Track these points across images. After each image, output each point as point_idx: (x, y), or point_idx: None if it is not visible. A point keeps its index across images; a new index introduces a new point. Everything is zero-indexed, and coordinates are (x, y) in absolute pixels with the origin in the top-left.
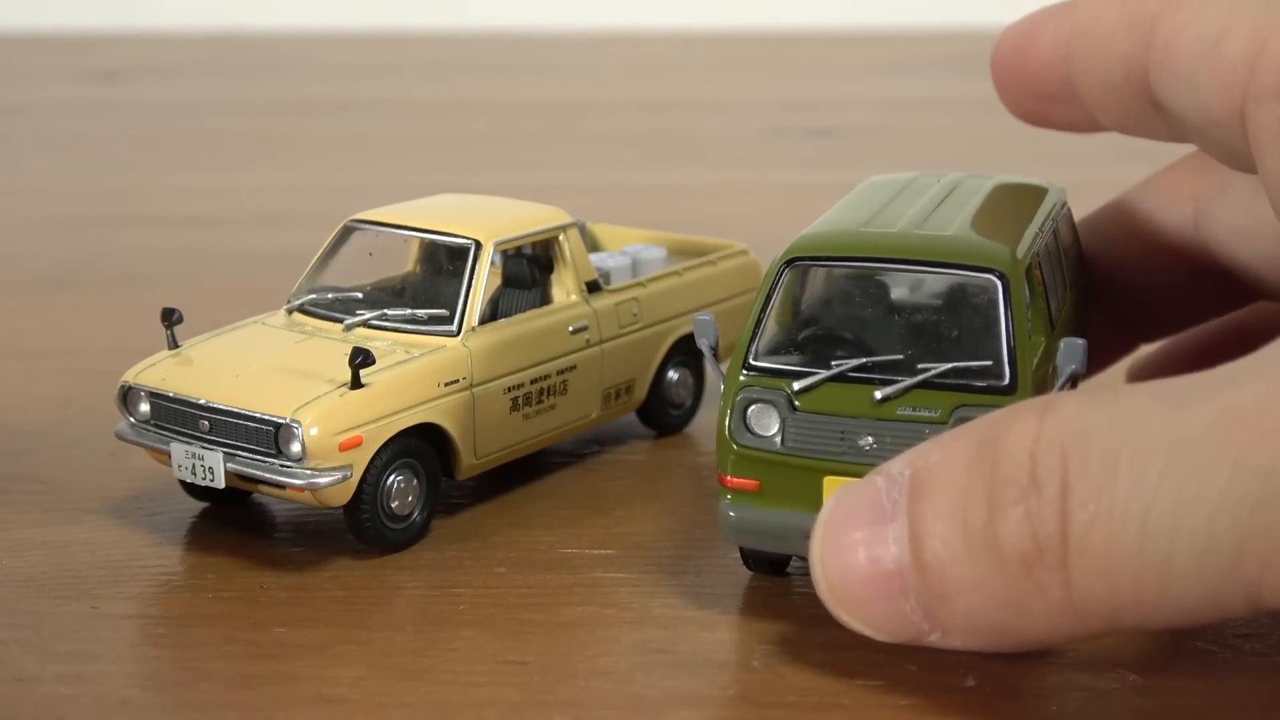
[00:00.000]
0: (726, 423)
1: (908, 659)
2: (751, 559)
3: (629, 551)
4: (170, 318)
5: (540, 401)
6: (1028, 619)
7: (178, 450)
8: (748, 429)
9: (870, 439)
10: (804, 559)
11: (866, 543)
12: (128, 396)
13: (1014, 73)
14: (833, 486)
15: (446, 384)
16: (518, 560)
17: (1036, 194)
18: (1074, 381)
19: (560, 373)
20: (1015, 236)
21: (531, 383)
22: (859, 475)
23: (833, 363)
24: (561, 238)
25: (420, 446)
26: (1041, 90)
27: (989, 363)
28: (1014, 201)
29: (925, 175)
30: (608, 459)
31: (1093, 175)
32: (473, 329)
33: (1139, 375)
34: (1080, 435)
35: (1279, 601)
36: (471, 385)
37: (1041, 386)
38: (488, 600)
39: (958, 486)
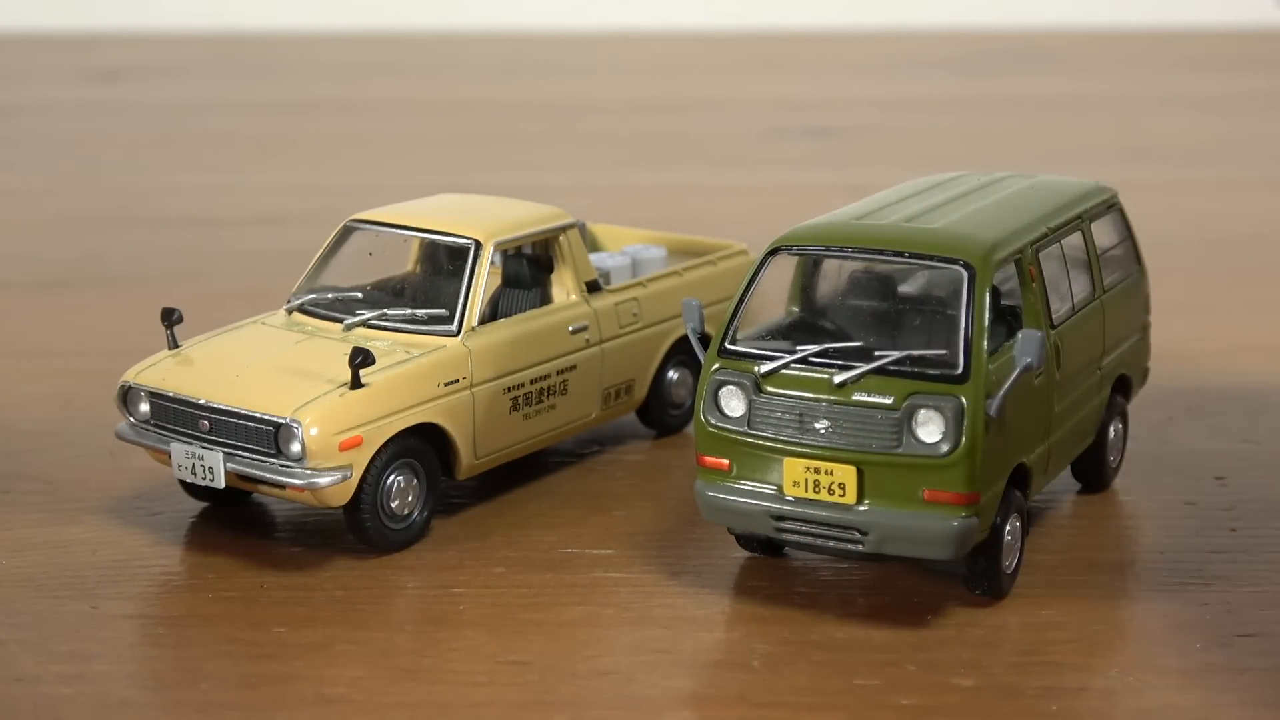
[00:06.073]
0: (701, 403)
1: (907, 659)
2: (742, 539)
3: (629, 551)
4: (170, 318)
5: (540, 401)
6: None
7: (178, 450)
8: (718, 409)
9: (826, 422)
10: (769, 539)
11: None
12: (128, 396)
13: None
14: (793, 468)
15: (446, 384)
16: (518, 560)
17: (1070, 193)
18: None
19: (560, 373)
20: (1009, 231)
21: (531, 383)
22: (816, 458)
23: (797, 348)
24: (561, 238)
25: (420, 446)
26: None
27: (944, 351)
28: (1037, 199)
29: (970, 174)
30: (608, 459)
31: (1092, 175)
32: (473, 329)
33: None
34: None
35: None
36: (471, 385)
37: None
38: (488, 600)
39: None
